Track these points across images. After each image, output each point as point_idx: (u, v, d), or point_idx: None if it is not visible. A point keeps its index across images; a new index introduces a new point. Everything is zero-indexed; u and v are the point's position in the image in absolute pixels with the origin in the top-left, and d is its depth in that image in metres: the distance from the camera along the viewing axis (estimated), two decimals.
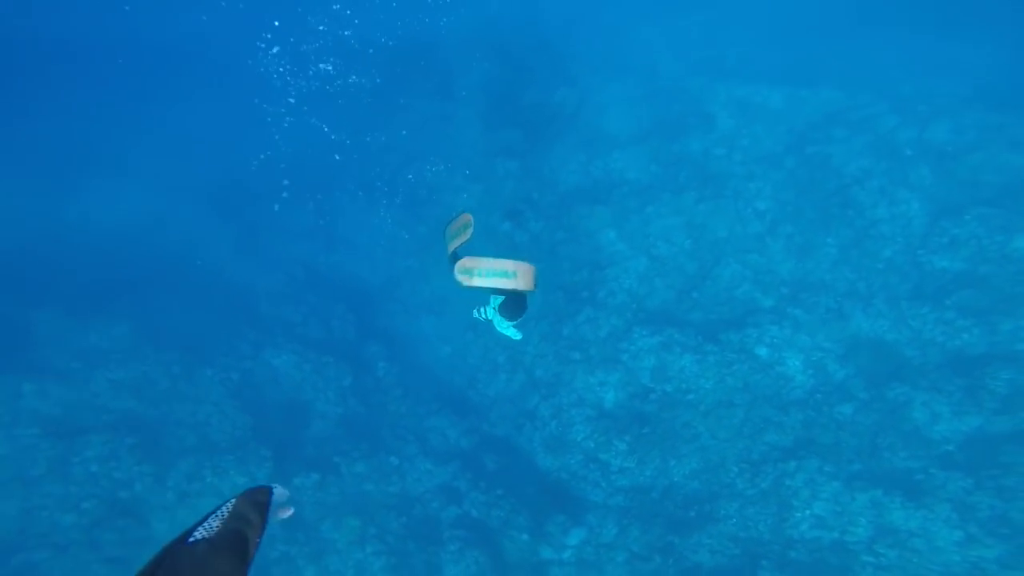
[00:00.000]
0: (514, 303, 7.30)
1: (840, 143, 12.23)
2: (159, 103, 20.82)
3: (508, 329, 8.37)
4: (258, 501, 1.48)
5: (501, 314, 7.74)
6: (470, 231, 6.05)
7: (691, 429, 9.74)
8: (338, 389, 11.08)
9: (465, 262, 5.06)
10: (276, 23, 16.92)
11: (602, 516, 9.43)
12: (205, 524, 1.29)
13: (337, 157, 15.95)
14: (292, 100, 17.11)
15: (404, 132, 15.97)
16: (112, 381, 10.20)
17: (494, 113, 15.99)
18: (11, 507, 8.43)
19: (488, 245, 13.67)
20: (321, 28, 17.72)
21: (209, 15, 23.18)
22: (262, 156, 15.96)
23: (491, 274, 5.03)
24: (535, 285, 4.94)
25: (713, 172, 12.82)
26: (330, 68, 17.50)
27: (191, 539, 1.20)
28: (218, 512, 1.36)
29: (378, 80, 16.46)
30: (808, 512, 8.33)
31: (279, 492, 1.60)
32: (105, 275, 12.57)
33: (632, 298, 11.70)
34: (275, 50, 16.88)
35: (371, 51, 17.98)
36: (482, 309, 8.19)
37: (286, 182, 15.18)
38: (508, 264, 4.92)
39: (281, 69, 17.00)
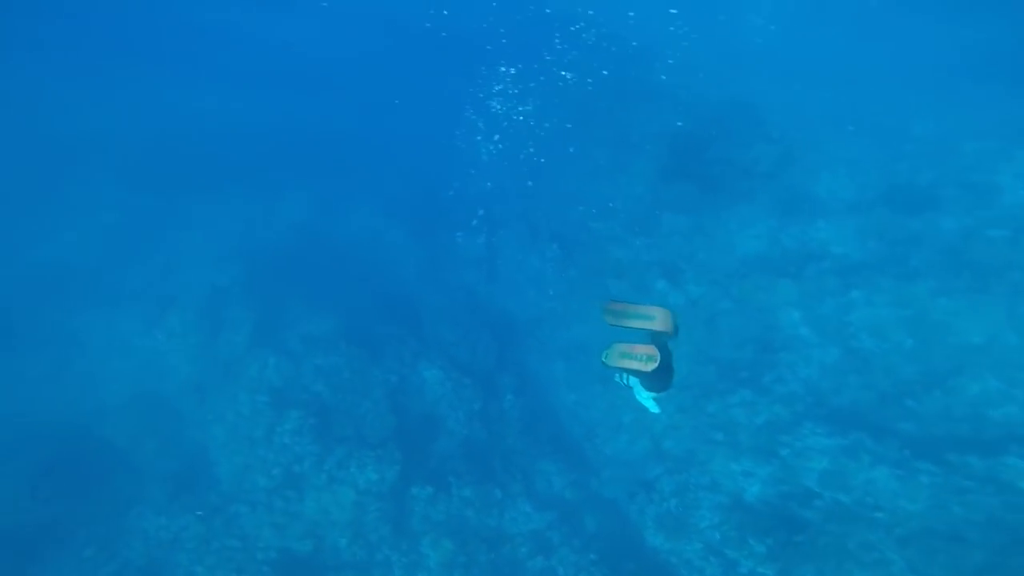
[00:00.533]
0: (657, 373, 7.82)
1: None
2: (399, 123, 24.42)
3: (648, 400, 8.69)
4: None
5: (644, 383, 8.22)
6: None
7: (875, 553, 8.09)
8: (468, 411, 12.20)
9: (614, 305, 5.93)
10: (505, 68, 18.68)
11: None
12: None
13: (529, 183, 17.18)
14: (497, 137, 18.88)
15: (575, 175, 16.53)
16: (316, 366, 12.65)
17: (673, 165, 15.55)
18: (237, 462, 11.13)
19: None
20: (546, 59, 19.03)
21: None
22: (457, 184, 18.12)
23: (633, 316, 5.62)
24: (674, 329, 5.31)
25: (976, 259, 10.70)
26: (529, 108, 18.83)
27: None
28: None
29: (568, 125, 17.18)
30: None
31: None
32: (330, 276, 15.56)
33: (809, 390, 10.52)
34: (498, 88, 18.73)
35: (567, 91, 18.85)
36: (625, 374, 8.66)
37: (481, 212, 16.89)
38: (650, 308, 5.46)
39: (497, 106, 18.83)
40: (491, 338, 13.95)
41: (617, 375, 9.00)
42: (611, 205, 15.10)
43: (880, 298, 11.11)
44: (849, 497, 8.74)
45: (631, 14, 20.55)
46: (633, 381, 9.00)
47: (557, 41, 19.54)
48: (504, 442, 11.84)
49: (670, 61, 18.89)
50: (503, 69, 17.92)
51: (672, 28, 20.12)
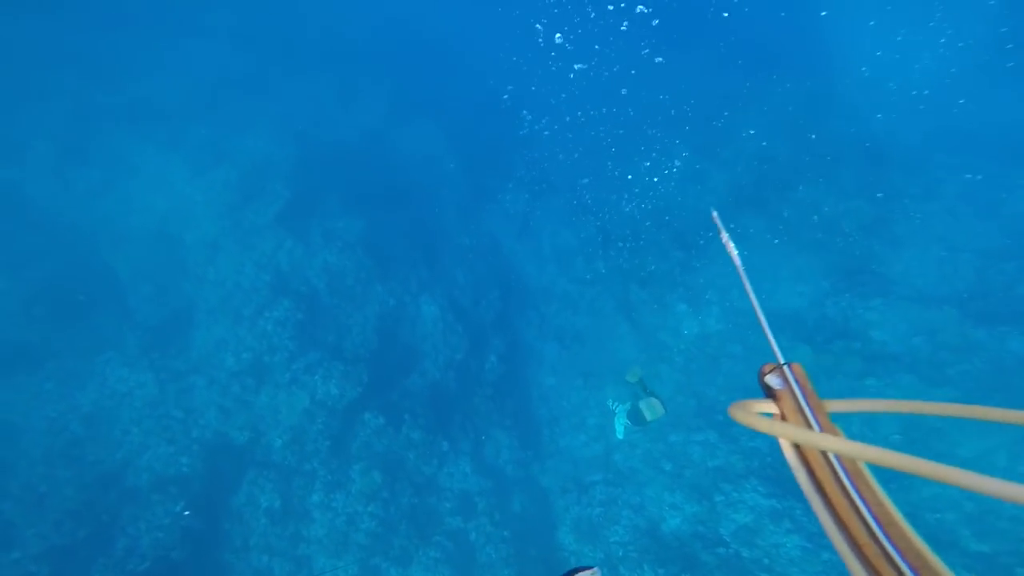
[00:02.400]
0: (639, 414, 7.82)
1: None
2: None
3: (620, 425, 8.35)
4: None
5: (629, 416, 7.98)
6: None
7: None
8: (449, 358, 11.35)
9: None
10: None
11: None
12: None
13: (609, 164, 15.47)
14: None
15: (647, 171, 14.63)
16: (325, 262, 11.66)
17: (752, 193, 13.44)
18: (215, 334, 10.41)
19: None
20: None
21: None
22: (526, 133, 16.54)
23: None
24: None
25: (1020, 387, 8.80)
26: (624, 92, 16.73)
27: None
28: None
29: (655, 131, 15.11)
30: None
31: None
32: (374, 183, 14.58)
33: (773, 452, 9.45)
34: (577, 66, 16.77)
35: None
36: (616, 404, 8.45)
37: (538, 170, 15.37)
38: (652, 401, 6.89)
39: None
40: (498, 296, 12.86)
41: (611, 398, 9.25)
42: (667, 219, 13.34)
43: (892, 393, 9.50)
44: (750, 554, 8.23)
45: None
46: (620, 409, 8.52)
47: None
48: (470, 400, 10.98)
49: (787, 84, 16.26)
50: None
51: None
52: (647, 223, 13.31)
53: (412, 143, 15.96)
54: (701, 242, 12.76)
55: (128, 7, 18.16)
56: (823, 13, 19.91)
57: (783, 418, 1.07)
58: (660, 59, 17.26)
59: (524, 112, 17.16)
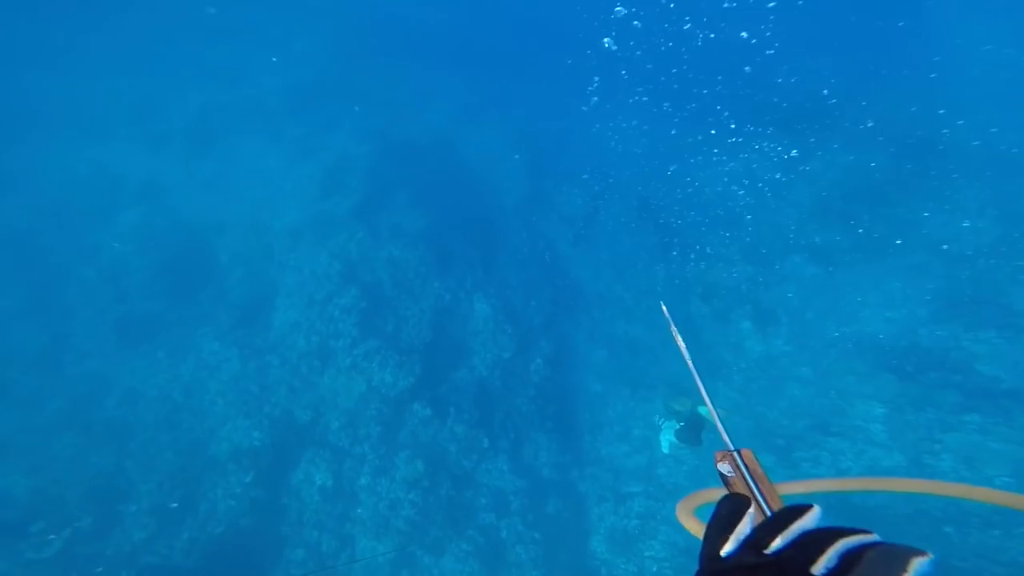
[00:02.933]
0: (693, 432, 7.74)
1: None
2: None
3: (665, 440, 8.06)
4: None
5: (678, 434, 7.76)
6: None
7: None
8: (496, 357, 11.51)
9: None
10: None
11: None
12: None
13: (672, 167, 14.77)
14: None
15: (722, 178, 13.60)
16: (390, 255, 12.34)
17: (838, 206, 12.05)
18: (291, 316, 11.44)
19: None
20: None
21: None
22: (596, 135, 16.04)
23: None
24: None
25: None
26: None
27: None
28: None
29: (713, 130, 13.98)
30: None
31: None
32: (443, 181, 15.00)
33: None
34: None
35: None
36: (663, 418, 8.25)
37: (607, 176, 14.99)
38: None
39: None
40: (550, 298, 12.78)
41: (658, 413, 8.70)
42: (727, 234, 12.39)
43: (1003, 432, 8.41)
44: None
45: None
46: (667, 424, 8.14)
47: None
48: (514, 400, 11.10)
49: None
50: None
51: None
52: (709, 234, 12.49)
53: (480, 141, 16.14)
54: (773, 256, 11.78)
55: (241, 16, 19.94)
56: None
57: None
58: (772, 50, 15.86)
59: (593, 99, 16.58)
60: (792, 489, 1.09)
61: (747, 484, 1.03)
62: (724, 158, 13.79)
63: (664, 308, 1.51)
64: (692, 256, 12.35)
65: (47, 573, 7.89)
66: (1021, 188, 11.33)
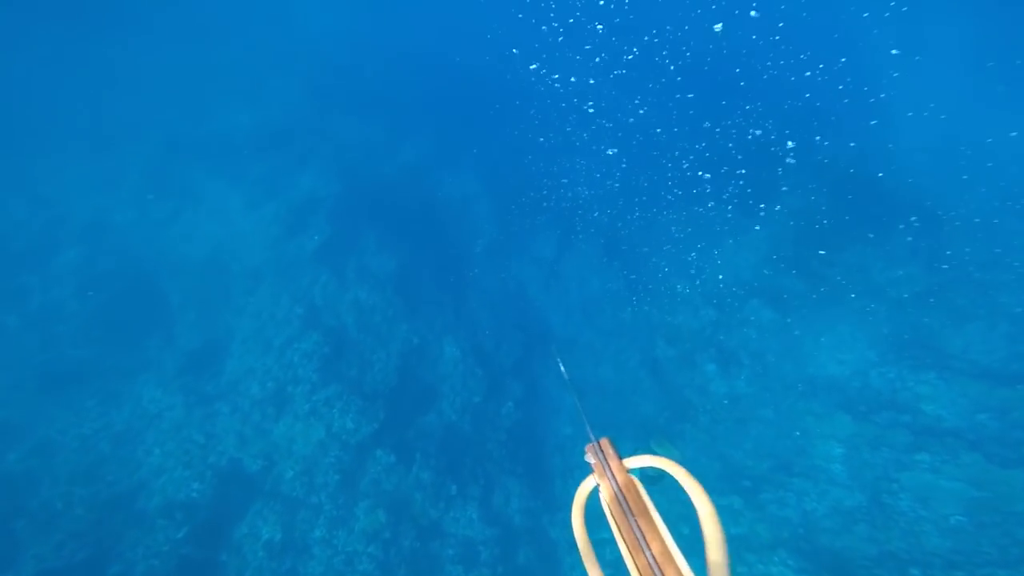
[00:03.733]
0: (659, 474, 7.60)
1: None
2: None
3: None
4: None
5: (641, 478, 7.65)
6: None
7: None
8: (466, 401, 11.17)
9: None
10: None
11: None
12: None
13: (638, 212, 15.31)
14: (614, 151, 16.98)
15: (681, 219, 14.24)
16: (356, 299, 12.10)
17: (790, 252, 12.77)
18: (246, 362, 10.91)
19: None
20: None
21: None
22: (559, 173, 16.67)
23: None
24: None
25: None
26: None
27: None
28: None
29: (705, 174, 14.87)
30: None
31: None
32: (411, 222, 14.98)
33: (805, 523, 8.84)
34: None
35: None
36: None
37: (569, 208, 15.35)
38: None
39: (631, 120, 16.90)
40: (520, 342, 12.68)
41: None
42: (692, 272, 12.87)
43: (951, 471, 8.59)
44: None
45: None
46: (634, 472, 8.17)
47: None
48: (484, 444, 10.71)
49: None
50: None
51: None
52: (672, 278, 12.87)
53: (450, 183, 16.35)
54: (734, 300, 12.18)
55: (213, 48, 19.89)
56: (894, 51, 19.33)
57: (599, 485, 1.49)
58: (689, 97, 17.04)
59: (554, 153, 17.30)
60: (636, 463, 1.53)
61: (604, 467, 1.46)
62: (680, 200, 14.45)
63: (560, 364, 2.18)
64: (656, 300, 12.61)
65: None
66: (944, 238, 12.32)
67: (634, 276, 13.49)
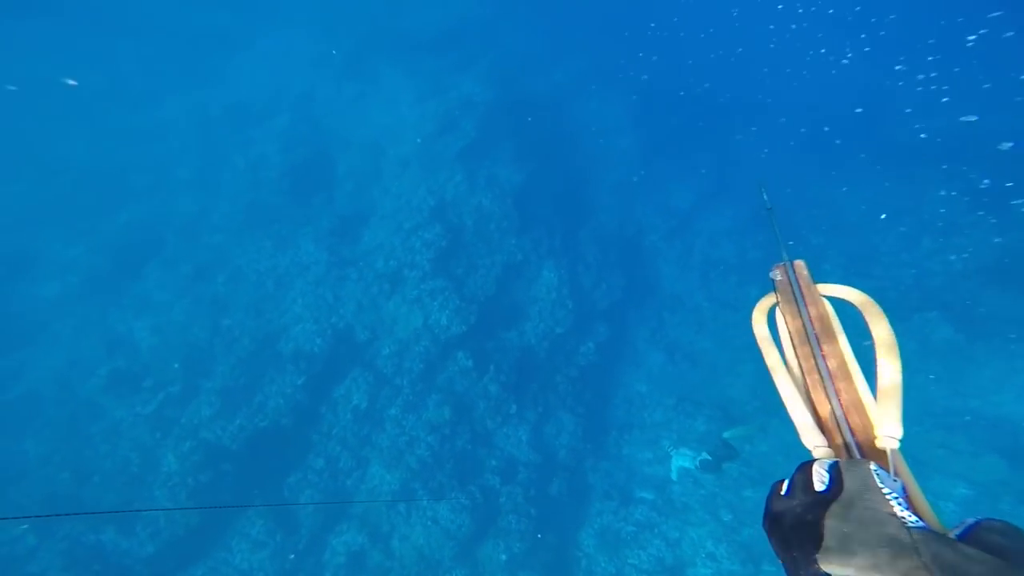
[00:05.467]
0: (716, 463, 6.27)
1: None
2: None
3: (675, 468, 6.09)
4: None
5: (703, 464, 6.41)
6: None
7: None
8: (549, 330, 8.95)
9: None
10: None
11: None
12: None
13: None
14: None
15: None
16: (479, 204, 9.95)
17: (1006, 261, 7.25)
18: (379, 237, 9.71)
19: None
20: None
21: None
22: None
23: None
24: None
25: None
26: None
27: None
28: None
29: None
30: None
31: None
32: (552, 143, 11.77)
33: None
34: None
35: None
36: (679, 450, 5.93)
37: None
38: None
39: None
40: (620, 286, 9.68)
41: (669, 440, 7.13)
42: (859, 262, 7.96)
43: None
44: None
45: None
46: (678, 452, 6.28)
47: None
48: (554, 375, 8.68)
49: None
50: None
51: None
52: (835, 266, 8.31)
53: (599, 109, 12.36)
54: (904, 310, 7.55)
55: None
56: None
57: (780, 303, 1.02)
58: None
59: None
60: (829, 291, 1.02)
61: (791, 289, 1.01)
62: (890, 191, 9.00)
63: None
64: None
65: (141, 428, 7.35)
66: None
67: (781, 252, 9.13)
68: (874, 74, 12.29)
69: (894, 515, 0.54)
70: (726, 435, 6.77)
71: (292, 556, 6.60)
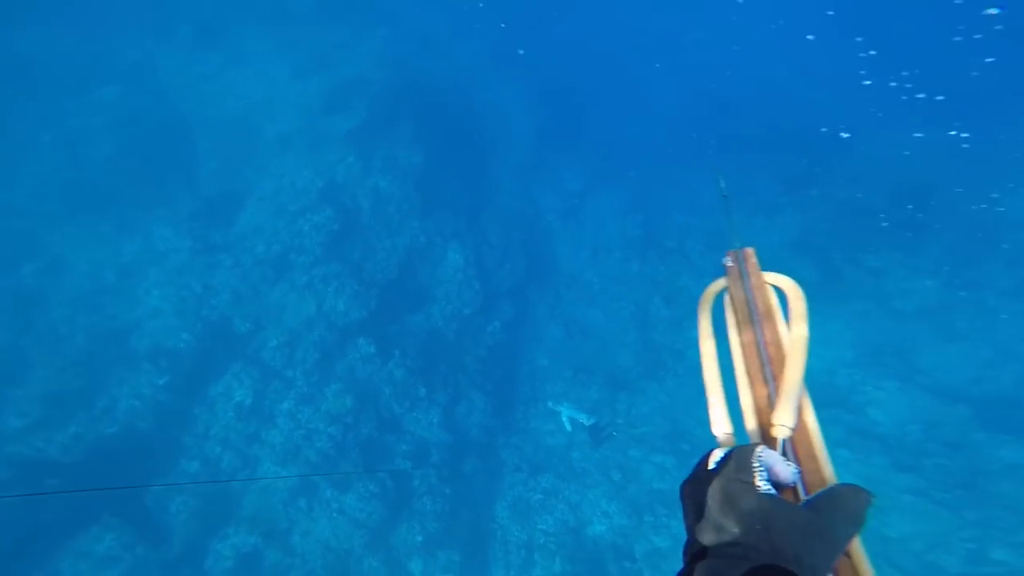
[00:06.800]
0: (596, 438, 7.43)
1: None
2: None
3: (566, 417, 7.09)
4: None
5: (591, 433, 7.63)
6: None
7: None
8: (456, 311, 9.51)
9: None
10: None
11: None
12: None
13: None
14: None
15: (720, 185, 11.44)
16: (375, 185, 9.99)
17: (816, 237, 10.12)
18: (257, 221, 9.26)
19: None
20: None
21: None
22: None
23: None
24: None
25: None
26: None
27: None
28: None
29: None
30: None
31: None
32: (448, 115, 12.40)
33: None
34: None
35: None
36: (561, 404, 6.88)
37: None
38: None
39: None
40: (523, 266, 10.74)
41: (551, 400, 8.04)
42: (709, 240, 10.24)
43: (856, 468, 7.42)
44: (650, 573, 7.03)
45: None
46: (562, 408, 7.22)
47: None
48: (462, 357, 9.27)
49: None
50: None
51: None
52: (702, 241, 10.46)
53: (499, 92, 13.39)
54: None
55: None
56: None
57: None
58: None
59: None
60: (773, 279, 1.20)
61: (740, 273, 1.18)
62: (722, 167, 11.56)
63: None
64: (667, 258, 10.32)
65: None
66: (977, 254, 9.58)
67: (653, 231, 11.10)
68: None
69: (754, 486, 0.71)
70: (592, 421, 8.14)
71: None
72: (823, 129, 11.90)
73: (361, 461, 7.38)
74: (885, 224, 10.22)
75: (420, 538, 7.19)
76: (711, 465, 0.80)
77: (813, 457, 0.96)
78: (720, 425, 1.09)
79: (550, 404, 7.86)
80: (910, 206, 10.12)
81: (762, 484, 0.73)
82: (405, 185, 10.12)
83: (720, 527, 0.70)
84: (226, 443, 6.99)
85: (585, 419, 7.63)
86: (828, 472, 0.93)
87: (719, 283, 1.30)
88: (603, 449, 8.40)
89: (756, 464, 0.77)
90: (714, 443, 1.03)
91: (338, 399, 7.69)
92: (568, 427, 8.18)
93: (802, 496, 0.86)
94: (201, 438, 6.96)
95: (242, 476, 6.63)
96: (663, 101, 14.66)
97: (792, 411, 0.97)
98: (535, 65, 14.45)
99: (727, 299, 1.25)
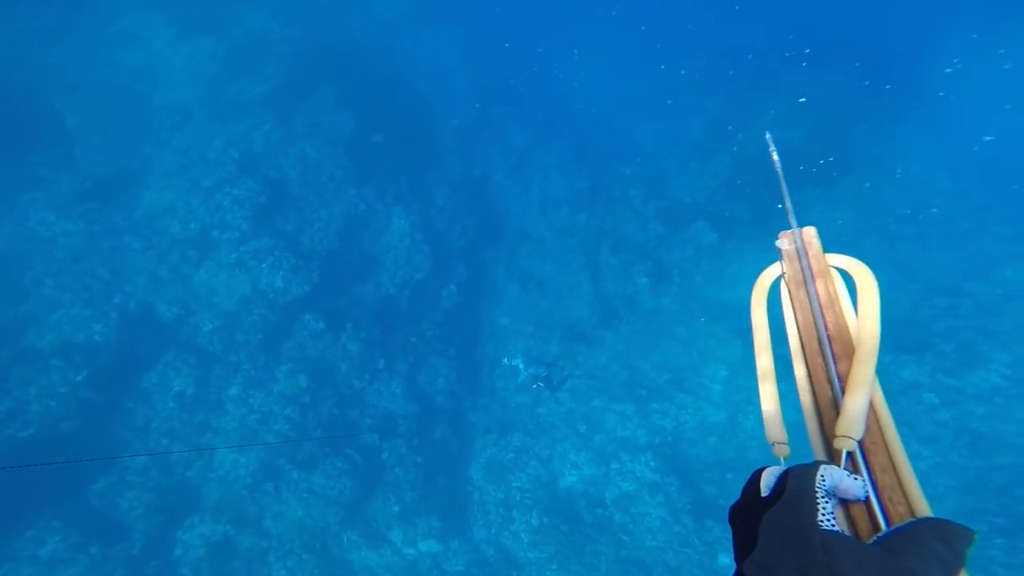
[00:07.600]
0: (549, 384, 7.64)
1: None
2: None
3: (521, 369, 7.36)
4: None
5: (545, 381, 7.73)
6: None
7: (595, 561, 7.22)
8: (407, 277, 9.45)
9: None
10: None
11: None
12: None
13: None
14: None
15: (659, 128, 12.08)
16: (301, 152, 9.50)
17: (747, 177, 11.21)
18: (166, 197, 8.47)
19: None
20: None
21: None
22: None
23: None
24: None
25: None
26: None
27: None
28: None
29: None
30: None
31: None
32: (377, 81, 11.92)
33: (676, 433, 8.62)
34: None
35: None
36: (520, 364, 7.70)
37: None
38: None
39: None
40: (474, 226, 10.83)
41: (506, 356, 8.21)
42: (650, 187, 10.92)
43: (792, 400, 8.32)
44: (621, 518, 7.56)
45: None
46: (515, 361, 7.68)
47: None
48: (419, 323, 9.29)
49: None
50: None
51: None
52: (637, 191, 11.14)
53: (429, 49, 13.07)
54: (683, 222, 10.76)
55: None
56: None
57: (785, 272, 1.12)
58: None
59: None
60: (838, 262, 1.09)
61: (799, 259, 1.07)
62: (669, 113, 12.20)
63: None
64: (613, 208, 10.93)
65: None
66: (879, 188, 11.17)
67: (598, 182, 11.63)
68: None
69: (815, 522, 0.62)
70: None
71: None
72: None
73: (325, 439, 7.26)
74: (803, 167, 11.55)
75: (397, 508, 7.29)
76: (763, 491, 0.72)
77: (890, 468, 0.84)
78: (774, 431, 0.97)
79: (505, 360, 8.08)
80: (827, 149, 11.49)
81: (825, 519, 0.65)
82: (336, 151, 9.75)
83: (771, 569, 0.62)
84: (173, 434, 6.54)
85: (541, 370, 7.93)
86: (910, 485, 0.81)
87: (773, 269, 1.19)
88: (565, 400, 8.89)
89: (818, 491, 0.68)
90: (769, 456, 0.93)
91: (291, 379, 7.45)
92: (522, 377, 8.11)
93: (877, 511, 0.76)
94: (142, 432, 6.46)
95: (198, 466, 6.28)
96: (607, 47, 15.06)
97: (860, 419, 0.87)
98: (468, 18, 14.23)
99: (783, 287, 1.15)
